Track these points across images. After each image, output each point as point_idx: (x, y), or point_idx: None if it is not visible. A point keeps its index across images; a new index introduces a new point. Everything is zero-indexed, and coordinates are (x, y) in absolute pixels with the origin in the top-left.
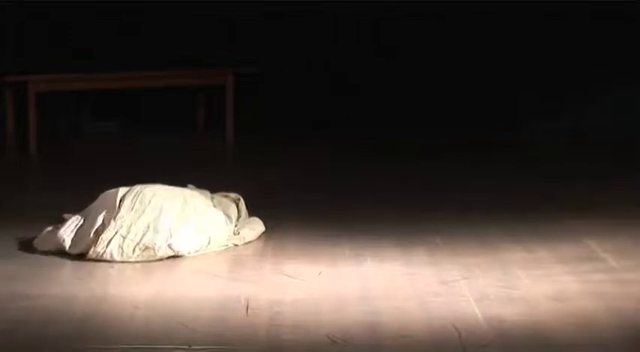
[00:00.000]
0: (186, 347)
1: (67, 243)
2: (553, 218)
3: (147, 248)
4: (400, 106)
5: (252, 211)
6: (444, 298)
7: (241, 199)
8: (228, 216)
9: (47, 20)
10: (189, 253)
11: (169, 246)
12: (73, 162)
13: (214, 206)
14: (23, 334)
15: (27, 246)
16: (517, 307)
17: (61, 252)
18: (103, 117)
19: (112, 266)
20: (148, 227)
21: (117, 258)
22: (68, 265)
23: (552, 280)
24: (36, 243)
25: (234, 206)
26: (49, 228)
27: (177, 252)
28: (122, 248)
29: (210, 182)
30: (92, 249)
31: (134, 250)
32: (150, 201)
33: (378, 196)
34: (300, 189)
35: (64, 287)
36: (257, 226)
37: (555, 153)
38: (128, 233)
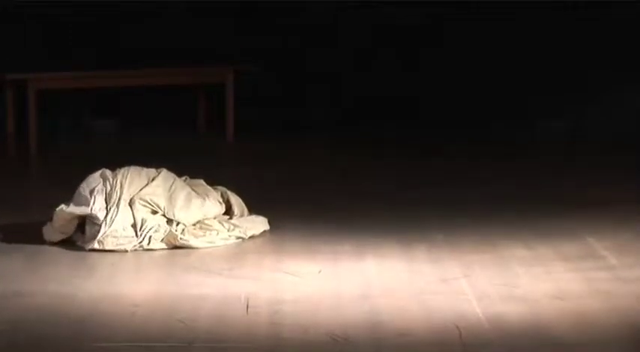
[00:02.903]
0: (186, 345)
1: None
2: (553, 215)
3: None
4: (399, 105)
5: (253, 209)
6: (445, 296)
7: (229, 193)
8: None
9: (47, 18)
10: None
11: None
12: (73, 162)
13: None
14: (21, 334)
15: (25, 244)
16: (518, 305)
17: (58, 242)
18: (104, 116)
19: (112, 264)
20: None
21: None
22: (66, 262)
23: (553, 278)
24: (45, 231)
25: (218, 195)
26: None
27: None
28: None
29: (211, 180)
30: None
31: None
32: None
33: (378, 194)
34: (301, 187)
35: (63, 285)
36: (257, 223)
37: (556, 151)
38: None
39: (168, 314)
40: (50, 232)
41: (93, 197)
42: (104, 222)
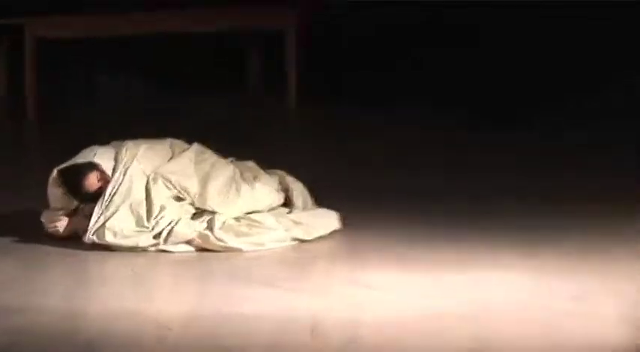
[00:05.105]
0: None
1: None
2: None
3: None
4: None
5: (322, 201)
6: (578, 318)
7: (289, 178)
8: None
9: None
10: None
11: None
12: (81, 134)
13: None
14: None
15: (19, 243)
16: None
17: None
18: (123, 75)
19: (132, 271)
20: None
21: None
22: (72, 269)
23: None
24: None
25: (275, 182)
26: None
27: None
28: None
29: (265, 160)
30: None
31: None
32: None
33: (484, 180)
34: (379, 171)
35: (68, 298)
36: (325, 220)
37: None
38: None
39: (209, 339)
40: (46, 213)
41: (98, 152)
42: (101, 200)
